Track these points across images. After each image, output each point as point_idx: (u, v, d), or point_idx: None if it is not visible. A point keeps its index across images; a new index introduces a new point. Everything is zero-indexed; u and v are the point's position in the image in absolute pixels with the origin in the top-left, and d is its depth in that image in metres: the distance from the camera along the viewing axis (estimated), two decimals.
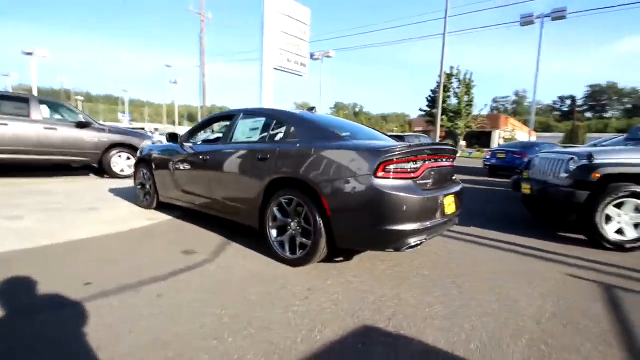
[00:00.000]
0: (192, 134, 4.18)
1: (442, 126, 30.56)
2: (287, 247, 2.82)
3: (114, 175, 7.77)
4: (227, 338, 1.78)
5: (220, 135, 4.44)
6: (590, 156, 3.77)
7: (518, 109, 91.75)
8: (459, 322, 2.04)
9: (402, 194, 2.33)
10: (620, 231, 3.60)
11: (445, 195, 2.67)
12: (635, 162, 3.60)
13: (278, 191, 2.87)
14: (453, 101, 30.67)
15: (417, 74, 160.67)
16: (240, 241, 3.38)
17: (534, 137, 37.00)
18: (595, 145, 9.48)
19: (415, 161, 2.46)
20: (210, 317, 1.97)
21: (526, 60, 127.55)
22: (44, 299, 2.10)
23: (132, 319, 1.92)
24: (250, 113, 3.55)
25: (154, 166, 4.39)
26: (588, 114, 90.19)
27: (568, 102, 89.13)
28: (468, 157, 27.29)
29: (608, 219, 3.61)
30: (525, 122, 44.54)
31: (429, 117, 32.28)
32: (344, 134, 2.90)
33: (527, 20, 14.74)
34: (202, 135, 6.59)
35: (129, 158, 8.00)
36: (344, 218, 2.47)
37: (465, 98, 30.26)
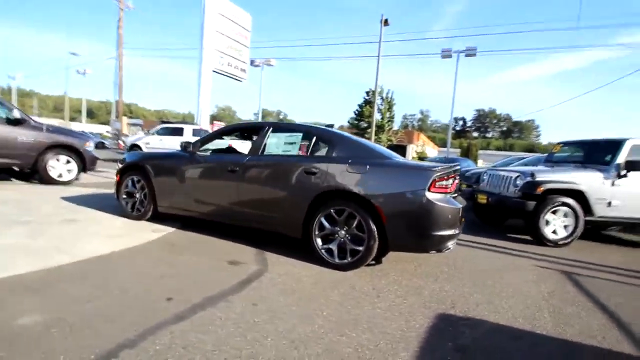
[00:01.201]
0: (203, 142, 4.09)
1: (367, 138, 33.19)
2: (335, 254, 3.11)
3: (49, 181, 6.72)
4: (351, 333, 2.04)
5: (221, 146, 4.46)
6: (532, 175, 4.93)
7: (423, 126, 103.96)
8: (499, 304, 2.65)
9: (446, 205, 2.88)
10: (554, 232, 4.80)
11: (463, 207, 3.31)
12: (563, 179, 4.85)
13: (325, 203, 3.14)
14: (378, 116, 33.49)
15: (339, 86, 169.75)
16: (271, 249, 3.51)
17: (436, 152, 42.63)
18: (506, 164, 11.70)
19: (451, 179, 3.03)
20: (320, 318, 2.18)
21: (428, 84, 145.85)
22: (142, 316, 2.02)
23: (251, 326, 2.01)
24: (283, 128, 3.72)
25: (152, 174, 4.13)
26: (475, 134, 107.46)
27: (461, 122, 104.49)
28: None
29: (547, 223, 4.78)
30: (431, 138, 51.12)
31: (356, 129, 34.65)
32: (385, 153, 3.33)
33: (446, 54, 17.57)
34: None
35: (68, 161, 7.01)
36: (399, 226, 2.90)
37: (387, 114, 33.37)
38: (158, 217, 4.25)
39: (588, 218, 4.82)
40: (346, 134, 3.62)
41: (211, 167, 3.80)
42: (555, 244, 4.73)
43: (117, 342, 1.74)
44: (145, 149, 13.52)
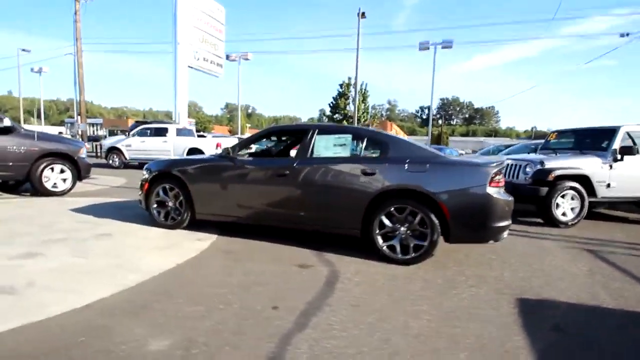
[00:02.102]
0: (243, 146, 4.02)
1: None
2: (398, 250, 3.23)
3: (44, 193, 6.27)
4: (460, 324, 2.18)
5: (258, 147, 4.40)
6: (542, 163, 5.33)
7: (391, 116, 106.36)
8: (557, 285, 2.91)
9: (502, 198, 3.08)
10: (564, 214, 5.24)
11: None
12: (570, 165, 5.28)
13: (384, 202, 3.25)
14: (352, 108, 33.87)
15: (308, 79, 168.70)
16: (326, 250, 3.57)
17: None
18: (490, 152, 12.33)
19: (501, 174, 3.23)
20: (423, 313, 2.30)
21: (393, 74, 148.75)
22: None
23: (369, 327, 2.09)
24: (329, 130, 3.75)
25: (188, 181, 4.01)
26: (440, 121, 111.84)
27: (427, 111, 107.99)
28: None
29: (557, 206, 5.19)
30: (400, 127, 52.53)
31: (333, 122, 34.84)
32: (431, 151, 3.47)
33: (424, 47, 18.12)
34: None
35: (62, 171, 6.56)
36: (461, 220, 3.07)
37: (362, 106, 33.84)
38: (192, 225, 4.15)
39: (591, 199, 5.30)
40: (392, 134, 3.72)
41: (258, 171, 3.76)
42: (565, 224, 5.17)
43: (264, 355, 1.75)
44: (126, 152, 12.83)
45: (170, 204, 4.19)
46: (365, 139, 3.51)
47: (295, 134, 4.00)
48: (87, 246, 3.39)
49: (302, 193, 3.53)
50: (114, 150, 12.93)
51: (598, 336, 2.15)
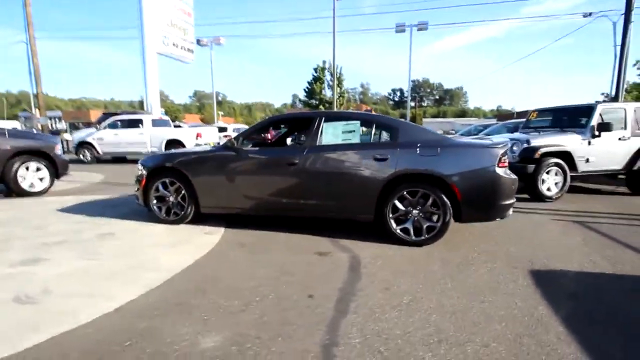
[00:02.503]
0: (246, 136, 3.92)
1: None
2: (411, 232, 3.34)
3: (20, 193, 5.88)
4: (487, 298, 2.31)
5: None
6: (528, 141, 5.60)
7: (364, 99, 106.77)
8: (559, 255, 3.13)
9: (509, 177, 3.24)
10: (549, 189, 5.57)
11: None
12: (554, 143, 5.59)
13: (397, 186, 3.32)
14: (328, 93, 33.64)
15: (282, 64, 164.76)
16: (338, 236, 3.62)
17: None
18: (470, 133, 12.73)
19: (506, 154, 3.37)
20: (452, 291, 2.41)
21: (365, 57, 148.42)
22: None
23: (407, 308, 2.18)
24: (337, 117, 3.73)
25: (191, 175, 3.89)
26: (412, 103, 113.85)
27: (399, 93, 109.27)
28: None
29: (543, 182, 5.51)
30: (374, 110, 52.87)
31: (308, 107, 34.52)
32: (439, 135, 3.54)
33: (400, 29, 18.15)
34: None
35: (38, 169, 6.15)
36: (472, 200, 3.20)
37: (338, 90, 33.67)
38: (195, 219, 4.05)
39: (572, 174, 5.67)
40: (400, 119, 3.76)
41: (265, 161, 3.70)
42: (550, 199, 5.51)
43: (319, 342, 1.79)
44: (98, 146, 12.14)
45: (172, 198, 4.06)
46: (374, 125, 3.53)
47: (300, 123, 3.95)
48: (93, 247, 3.23)
49: (314, 181, 3.53)
50: (84, 144, 12.20)
51: (615, 300, 2.35)
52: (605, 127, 5.64)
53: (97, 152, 12.18)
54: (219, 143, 14.21)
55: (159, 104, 17.05)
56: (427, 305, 2.22)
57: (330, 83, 33.44)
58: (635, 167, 5.95)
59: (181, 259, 2.96)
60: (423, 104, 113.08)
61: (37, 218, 4.34)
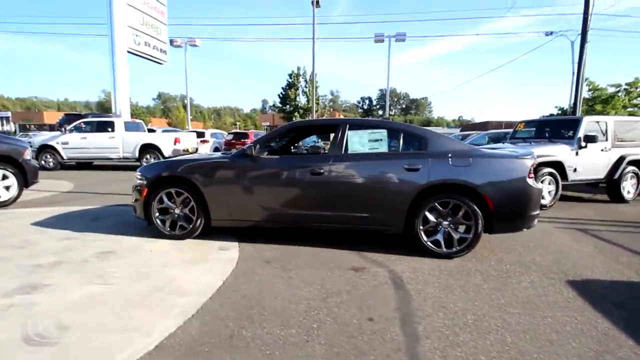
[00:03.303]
0: (263, 144, 3.67)
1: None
2: (442, 244, 3.26)
3: None
4: (553, 314, 2.26)
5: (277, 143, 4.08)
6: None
7: (334, 106, 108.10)
8: (584, 265, 3.20)
9: (537, 188, 3.27)
10: (543, 197, 5.79)
11: None
12: (548, 153, 5.84)
13: (428, 197, 3.24)
14: (302, 99, 33.63)
15: (251, 70, 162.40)
16: (364, 249, 3.47)
17: None
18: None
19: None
20: (506, 305, 2.34)
21: (335, 65, 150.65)
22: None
23: (479, 332, 2.07)
24: (362, 125, 3.59)
25: (201, 185, 3.57)
26: (380, 111, 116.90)
27: (367, 101, 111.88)
28: None
29: None
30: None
31: (283, 113, 34.28)
32: (467, 145, 3.53)
33: (379, 39, 18.56)
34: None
35: (4, 177, 5.46)
36: (504, 211, 3.19)
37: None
38: (203, 233, 3.73)
39: (563, 182, 5.95)
40: (426, 128, 3.70)
41: (287, 170, 3.48)
42: (545, 206, 5.74)
43: None
44: (63, 151, 11.10)
45: (177, 211, 3.71)
46: (402, 134, 3.44)
47: (322, 130, 3.77)
48: (98, 269, 2.83)
49: (341, 192, 3.36)
50: (46, 148, 11.10)
51: None
52: (591, 138, 5.99)
53: (61, 157, 11.13)
54: (196, 149, 13.58)
55: (129, 106, 16.05)
56: (494, 324, 2.12)
57: (305, 89, 33.50)
58: (615, 177, 6.37)
59: (207, 281, 2.66)
60: (391, 112, 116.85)
61: (14, 234, 3.78)
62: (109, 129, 11.40)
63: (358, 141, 3.48)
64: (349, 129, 3.52)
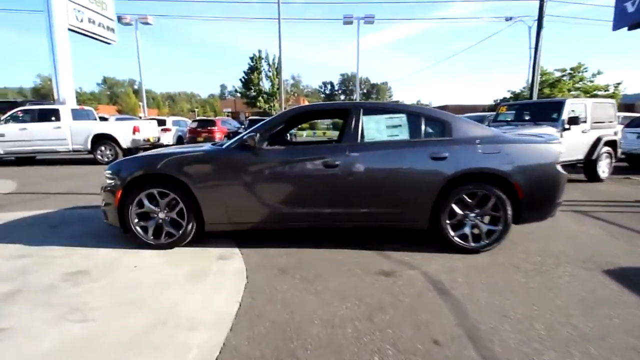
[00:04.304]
0: (264, 133, 3.14)
1: (259, 107, 31.96)
2: (470, 238, 3.01)
3: None
4: (615, 311, 2.07)
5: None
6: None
7: (296, 91, 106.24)
8: (604, 251, 3.13)
9: (565, 173, 3.10)
10: None
11: None
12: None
13: (454, 188, 2.95)
14: (266, 84, 32.35)
15: (207, 53, 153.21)
16: (384, 247, 3.14)
17: None
18: None
19: None
20: (551, 301, 2.13)
21: (294, 49, 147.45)
22: None
23: (553, 341, 1.82)
24: (377, 109, 3.16)
25: (192, 183, 3.00)
26: (342, 96, 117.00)
27: (329, 86, 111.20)
28: (312, 135, 29.77)
29: None
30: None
31: (246, 98, 32.83)
32: (490, 128, 3.26)
33: (347, 20, 17.99)
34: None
35: None
36: (533, 199, 2.98)
37: (276, 80, 32.53)
38: (193, 239, 3.19)
39: None
40: (447, 112, 3.37)
41: (296, 163, 3.00)
42: None
43: None
44: None
45: (162, 215, 3.11)
46: (423, 118, 3.09)
47: (331, 115, 3.32)
48: (70, 298, 2.21)
49: (360, 186, 2.96)
50: None
51: None
52: (574, 120, 6.10)
53: None
54: (158, 138, 12.38)
55: (73, 92, 14.24)
56: (567, 333, 1.88)
57: (268, 73, 32.22)
58: (593, 157, 6.60)
59: (219, 304, 2.16)
60: (352, 97, 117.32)
61: None
62: (53, 118, 9.97)
63: (375, 128, 3.08)
64: (363, 114, 3.10)
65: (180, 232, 3.10)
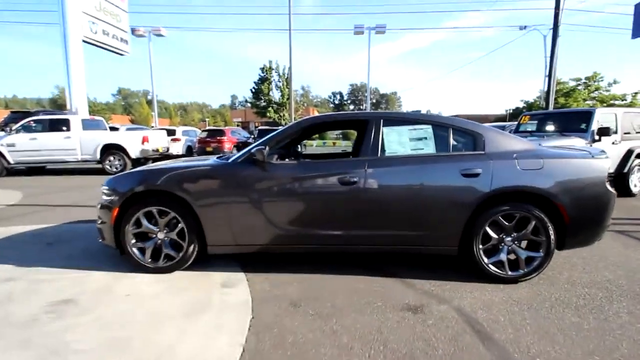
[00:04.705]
0: (274, 146, 2.86)
1: (269, 117, 32.02)
2: (506, 265, 2.64)
3: None
4: None
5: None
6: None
7: (305, 101, 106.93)
8: None
9: (614, 193, 2.71)
10: None
11: None
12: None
13: (488, 208, 2.60)
14: (276, 94, 32.46)
15: (218, 64, 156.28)
16: (402, 274, 2.79)
17: None
18: None
19: None
20: (614, 339, 1.74)
21: (304, 59, 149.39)
22: None
23: None
24: (399, 119, 2.86)
25: (193, 201, 2.72)
26: (351, 106, 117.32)
27: (338, 96, 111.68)
28: (322, 145, 29.43)
29: None
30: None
31: (256, 109, 32.97)
32: (528, 141, 2.91)
33: (358, 30, 17.90)
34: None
35: None
36: (581, 222, 2.60)
37: (286, 91, 32.62)
38: (197, 261, 2.90)
39: None
40: (479, 123, 3.04)
41: (309, 180, 2.70)
42: None
43: None
44: (9, 154, 9.54)
45: (161, 236, 2.83)
46: (451, 130, 2.76)
47: (346, 126, 3.03)
48: (50, 336, 1.92)
49: (380, 205, 2.64)
50: None
51: None
52: (605, 131, 5.68)
53: (7, 162, 9.56)
54: (168, 148, 12.28)
55: (86, 102, 14.36)
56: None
57: (278, 84, 32.36)
58: (625, 170, 6.13)
59: (220, 348, 1.84)
60: (361, 107, 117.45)
61: None
62: (64, 128, 9.95)
63: (397, 140, 2.77)
64: (383, 125, 2.79)
65: (181, 254, 2.81)
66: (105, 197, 2.92)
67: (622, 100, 28.40)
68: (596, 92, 29.77)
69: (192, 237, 2.78)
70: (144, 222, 2.81)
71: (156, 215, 2.80)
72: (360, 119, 3.00)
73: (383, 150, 2.74)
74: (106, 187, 2.94)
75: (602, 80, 29.35)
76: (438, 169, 2.64)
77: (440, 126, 2.80)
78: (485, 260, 2.65)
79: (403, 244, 2.71)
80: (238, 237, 2.79)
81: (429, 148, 2.74)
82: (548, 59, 17.29)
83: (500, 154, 2.64)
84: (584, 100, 29.29)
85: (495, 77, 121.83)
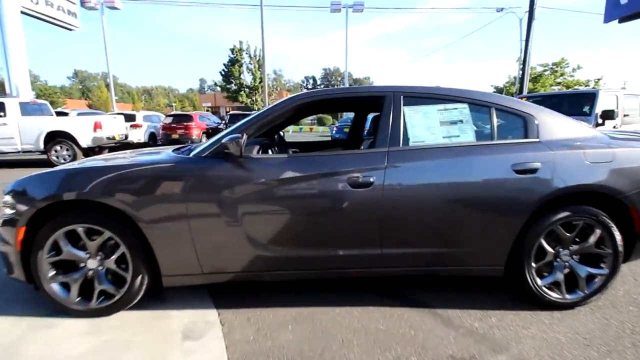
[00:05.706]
0: (254, 133, 2.04)
1: (241, 102, 30.45)
2: (563, 288, 2.04)
3: None
4: None
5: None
6: None
7: (278, 85, 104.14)
8: None
9: None
10: None
11: None
12: None
13: (547, 214, 1.96)
14: (248, 77, 30.81)
15: (185, 46, 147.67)
16: (435, 300, 2.13)
17: None
18: None
19: None
20: None
21: (275, 42, 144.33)
22: None
23: None
24: (424, 95, 2.11)
25: (140, 216, 1.87)
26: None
27: (311, 81, 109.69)
28: (299, 132, 28.02)
29: None
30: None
31: (227, 92, 31.24)
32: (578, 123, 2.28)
33: (335, 8, 16.81)
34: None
35: None
36: None
37: (258, 74, 30.99)
38: (150, 295, 2.08)
39: None
40: (528, 102, 2.36)
41: (304, 181, 1.92)
42: None
43: None
44: None
45: (94, 264, 1.97)
46: (494, 110, 2.07)
47: (353, 105, 2.23)
48: None
49: (406, 215, 1.92)
50: None
51: None
52: (609, 115, 5.29)
53: None
54: (126, 136, 10.90)
55: (29, 83, 12.52)
56: None
57: (250, 66, 30.67)
58: None
59: None
60: None
61: None
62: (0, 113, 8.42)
63: (423, 124, 2.04)
64: (404, 104, 2.05)
65: (123, 290, 1.97)
66: (8, 211, 2.00)
67: (586, 86, 29.38)
68: (561, 77, 30.59)
69: (138, 266, 1.95)
70: (65, 246, 1.93)
71: (83, 237, 1.93)
72: (375, 95, 2.22)
73: (406, 138, 2.00)
74: (8, 197, 2.01)
75: (567, 67, 30.17)
76: (482, 163, 1.94)
77: (479, 105, 2.09)
78: (539, 282, 2.03)
79: (436, 265, 2.02)
80: (205, 263, 1.98)
81: (467, 135, 2.03)
82: (523, 43, 17.26)
83: (560, 142, 1.99)
84: (550, 85, 30.01)
85: (467, 59, 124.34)
